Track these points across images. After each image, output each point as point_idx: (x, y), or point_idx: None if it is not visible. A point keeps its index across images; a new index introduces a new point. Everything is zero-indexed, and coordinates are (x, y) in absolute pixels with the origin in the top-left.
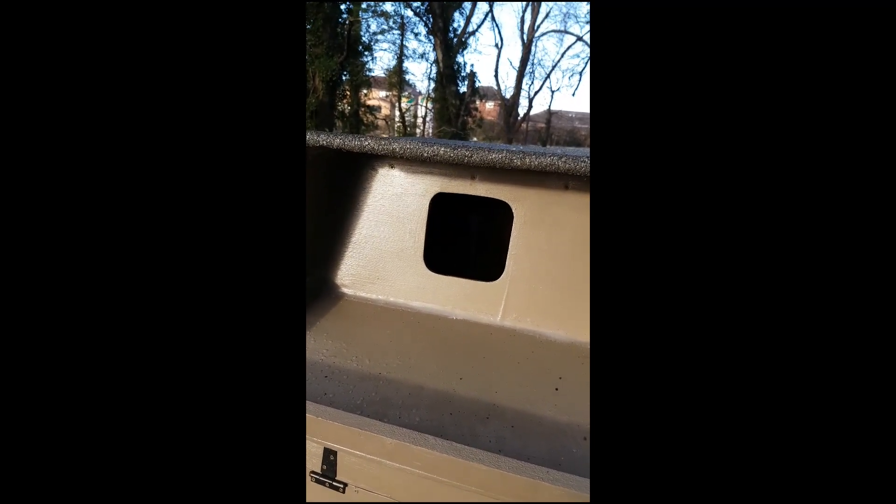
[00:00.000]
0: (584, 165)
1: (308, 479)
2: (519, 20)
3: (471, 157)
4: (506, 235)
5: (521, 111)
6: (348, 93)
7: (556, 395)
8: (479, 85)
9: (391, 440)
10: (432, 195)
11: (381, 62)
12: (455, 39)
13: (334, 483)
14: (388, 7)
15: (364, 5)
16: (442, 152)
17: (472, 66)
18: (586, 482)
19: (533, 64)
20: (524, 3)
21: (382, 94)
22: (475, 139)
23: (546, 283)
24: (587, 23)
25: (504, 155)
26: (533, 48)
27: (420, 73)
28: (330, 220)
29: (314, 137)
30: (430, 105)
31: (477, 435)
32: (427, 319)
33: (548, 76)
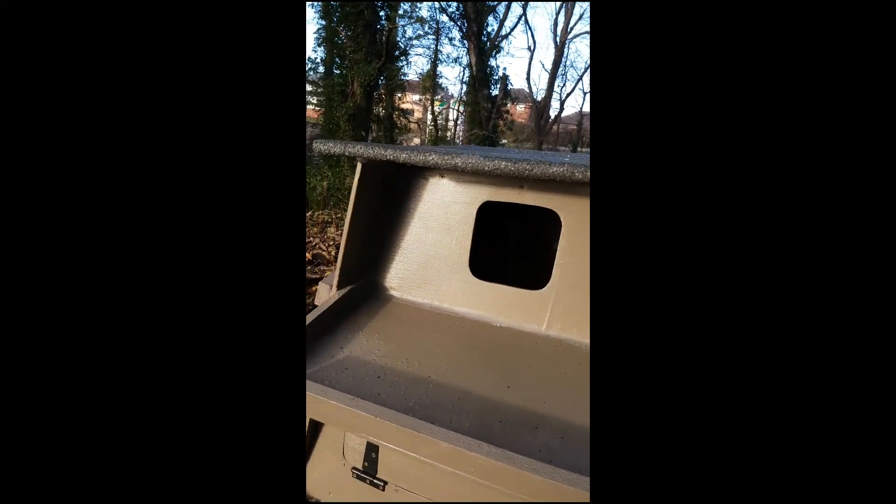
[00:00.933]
0: None
1: (349, 474)
2: (552, 22)
3: (531, 170)
4: (552, 244)
5: (553, 113)
6: (384, 97)
7: None
8: (511, 87)
9: (446, 444)
10: (480, 203)
11: (415, 66)
12: (488, 43)
13: (374, 480)
14: (424, 13)
15: (401, 10)
16: (503, 166)
17: (504, 69)
18: None
19: (565, 66)
20: (558, 3)
21: (416, 97)
22: (505, 142)
23: None
24: None
25: (565, 168)
26: (566, 50)
27: (453, 77)
28: (381, 226)
29: (381, 152)
30: (461, 108)
31: (526, 444)
32: (472, 325)
33: (580, 78)
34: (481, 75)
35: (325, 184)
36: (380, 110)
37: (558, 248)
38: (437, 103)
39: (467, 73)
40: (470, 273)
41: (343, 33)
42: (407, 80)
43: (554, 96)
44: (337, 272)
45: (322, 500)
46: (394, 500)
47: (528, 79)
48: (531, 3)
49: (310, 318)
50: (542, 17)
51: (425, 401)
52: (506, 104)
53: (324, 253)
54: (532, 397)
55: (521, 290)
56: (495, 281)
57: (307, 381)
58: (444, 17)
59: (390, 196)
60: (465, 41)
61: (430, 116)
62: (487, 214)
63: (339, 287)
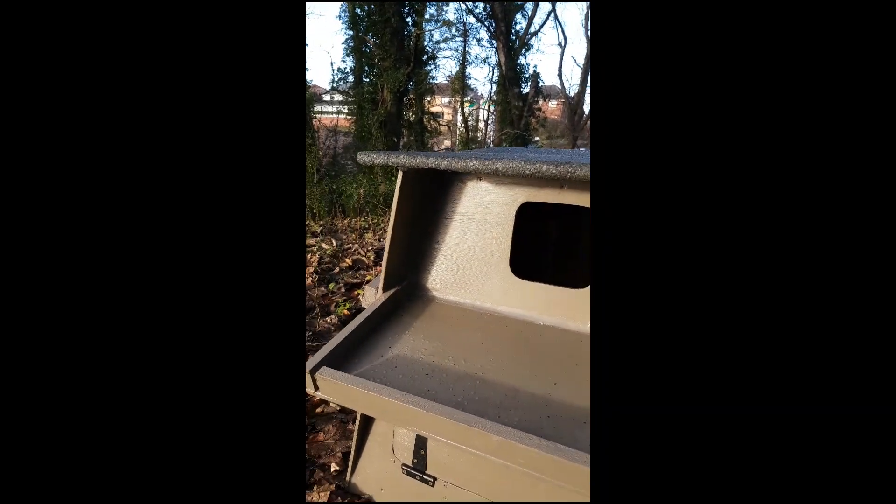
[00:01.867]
0: None
1: (400, 471)
2: (583, 17)
3: (573, 172)
4: (588, 244)
5: (586, 109)
6: (413, 102)
7: None
8: (543, 85)
9: (497, 437)
10: (519, 204)
11: (444, 69)
12: (517, 41)
13: (424, 476)
14: (450, 15)
15: (427, 15)
16: (544, 169)
17: (534, 66)
18: None
19: None
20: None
21: (445, 100)
22: (538, 139)
23: None
24: None
25: None
26: (590, 41)
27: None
28: (422, 230)
29: (423, 160)
30: (491, 108)
31: (577, 439)
32: (515, 324)
33: None
34: (511, 74)
35: (361, 191)
36: (410, 115)
37: None
38: (466, 104)
39: (496, 72)
40: (511, 273)
41: (371, 42)
42: (436, 84)
43: (587, 92)
44: (382, 275)
45: (374, 498)
46: (443, 495)
47: (559, 75)
48: (559, 1)
49: (358, 319)
50: (573, 12)
51: (474, 396)
52: (537, 101)
53: (363, 258)
54: (581, 394)
55: (564, 289)
56: (537, 280)
57: (360, 380)
58: (472, 19)
59: (430, 200)
60: (494, 41)
61: (459, 118)
62: (527, 215)
63: (385, 290)
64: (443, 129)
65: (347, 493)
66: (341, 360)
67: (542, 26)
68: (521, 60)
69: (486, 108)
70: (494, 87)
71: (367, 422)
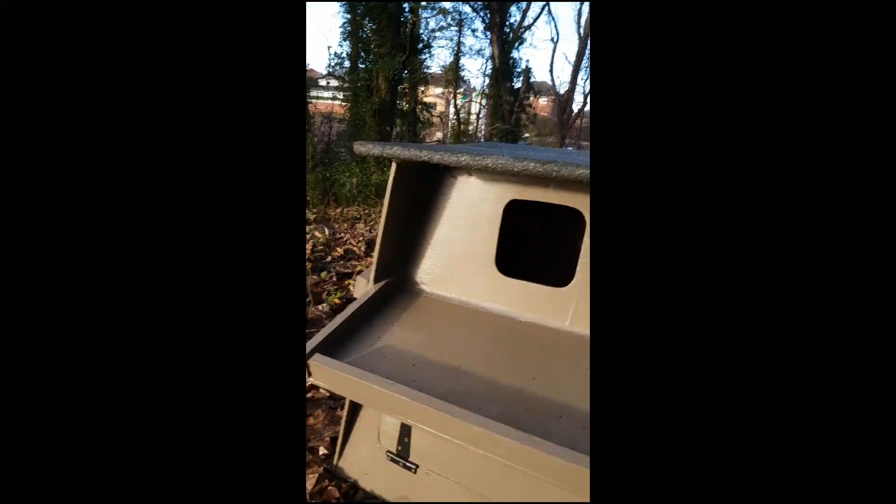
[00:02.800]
0: None
1: (384, 457)
2: (576, 13)
3: (559, 171)
4: (576, 242)
5: (576, 107)
6: (408, 91)
7: None
8: (534, 80)
9: (478, 427)
10: (506, 201)
11: (438, 59)
12: (511, 34)
13: (407, 463)
14: (447, 3)
15: (424, 2)
16: (531, 167)
17: (527, 61)
18: None
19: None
20: None
21: (438, 90)
22: (527, 135)
23: None
24: None
25: (589, 171)
26: (590, 42)
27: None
28: (413, 223)
29: (416, 153)
30: (483, 102)
31: (551, 431)
32: (498, 320)
33: None
34: (504, 67)
35: (354, 181)
36: (403, 104)
37: (583, 246)
38: (459, 96)
39: (489, 65)
40: (496, 269)
41: (368, 27)
42: (430, 73)
43: (577, 89)
44: (374, 267)
45: (359, 481)
46: (424, 482)
47: (551, 71)
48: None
49: (350, 309)
50: (566, 8)
51: (457, 388)
52: (528, 97)
53: (354, 248)
54: (556, 389)
55: (546, 287)
56: (521, 278)
57: (349, 367)
58: (467, 8)
59: (421, 194)
60: (488, 32)
61: (452, 110)
62: (513, 212)
63: (376, 281)
64: (435, 120)
65: (334, 476)
66: (333, 347)
67: (535, 20)
68: (514, 54)
69: (479, 101)
70: (487, 81)
71: (356, 408)
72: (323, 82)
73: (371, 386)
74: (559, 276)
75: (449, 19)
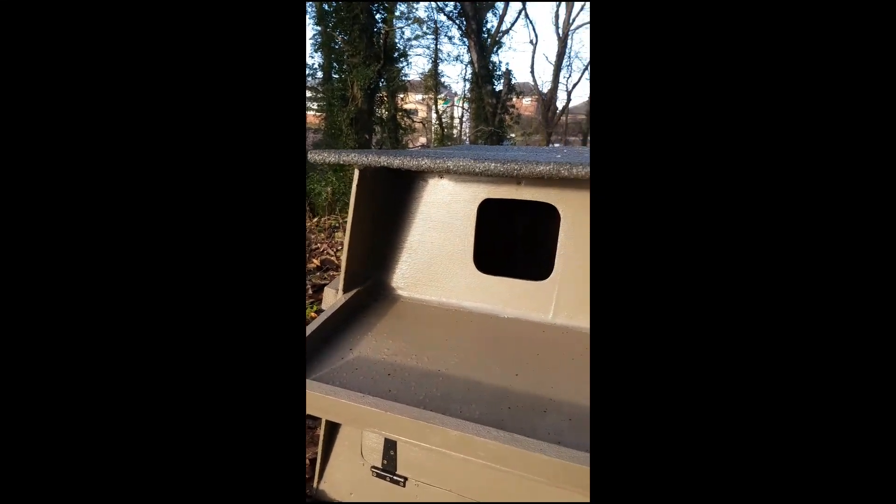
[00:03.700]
0: None
1: (370, 473)
2: (553, 14)
3: (519, 170)
4: (553, 236)
5: (560, 105)
6: (385, 99)
7: None
8: (515, 82)
9: (455, 432)
10: (480, 201)
11: (416, 66)
12: (489, 39)
13: (395, 477)
14: (421, 13)
15: (398, 13)
16: (493, 167)
17: (507, 64)
18: None
19: (570, 57)
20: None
21: (419, 97)
22: (513, 135)
23: None
24: None
25: (551, 167)
26: (569, 41)
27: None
28: (384, 228)
29: (375, 158)
30: (465, 105)
31: (536, 427)
32: (479, 318)
33: (586, 68)
34: (484, 72)
35: (329, 189)
36: (382, 112)
37: (559, 240)
38: (440, 102)
39: (469, 70)
40: (475, 268)
41: (339, 38)
42: (408, 81)
43: (560, 87)
44: (342, 275)
45: (344, 502)
46: (415, 495)
47: (532, 72)
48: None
49: (316, 322)
50: (543, 11)
51: (435, 393)
52: (511, 99)
53: (332, 258)
54: (540, 383)
55: (527, 282)
56: (503, 274)
57: (317, 384)
58: (442, 17)
59: (391, 198)
60: (465, 39)
61: (434, 115)
62: (491, 210)
63: (346, 290)
64: (417, 126)
65: (315, 501)
66: None
67: (513, 24)
68: (494, 58)
69: (461, 105)
70: (468, 85)
71: (334, 426)
72: None
73: (339, 401)
74: (548, 269)
75: (424, 28)
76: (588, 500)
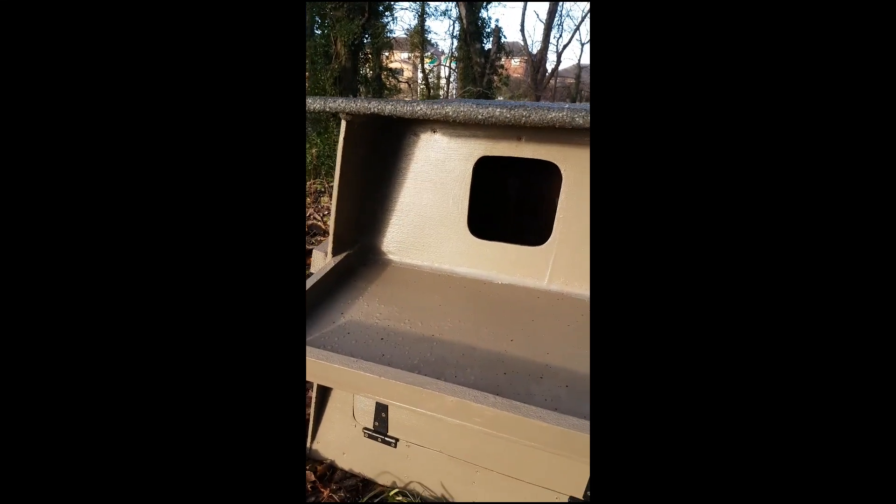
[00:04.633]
0: None
1: (361, 434)
2: None
3: (528, 116)
4: (552, 198)
5: (550, 66)
6: (370, 56)
7: None
8: (505, 41)
9: (452, 398)
10: (476, 159)
11: (402, 22)
12: None
13: (386, 438)
14: None
15: None
16: (497, 113)
17: (496, 21)
18: None
19: (561, 16)
20: None
21: (404, 55)
22: (501, 98)
23: None
24: None
25: (565, 114)
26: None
27: (443, 32)
28: (373, 188)
29: (365, 105)
30: (453, 65)
31: (532, 394)
32: (473, 284)
33: (577, 28)
34: (473, 28)
35: (314, 151)
36: (367, 71)
37: (559, 201)
38: (427, 60)
39: (457, 26)
40: (469, 232)
41: None
42: (394, 38)
43: (550, 48)
44: (331, 238)
45: (336, 462)
46: (406, 455)
47: (522, 31)
48: None
49: (306, 285)
50: None
51: (429, 358)
52: (500, 58)
53: (319, 223)
54: (536, 349)
55: (522, 247)
56: (496, 239)
57: (309, 348)
58: None
59: (380, 155)
60: None
61: (420, 75)
62: (485, 170)
63: (335, 254)
64: (402, 86)
65: (309, 460)
66: None
67: None
68: (483, 13)
69: (448, 64)
70: (455, 43)
71: (325, 389)
72: None
73: (332, 365)
74: (539, 234)
75: None
76: (588, 467)
